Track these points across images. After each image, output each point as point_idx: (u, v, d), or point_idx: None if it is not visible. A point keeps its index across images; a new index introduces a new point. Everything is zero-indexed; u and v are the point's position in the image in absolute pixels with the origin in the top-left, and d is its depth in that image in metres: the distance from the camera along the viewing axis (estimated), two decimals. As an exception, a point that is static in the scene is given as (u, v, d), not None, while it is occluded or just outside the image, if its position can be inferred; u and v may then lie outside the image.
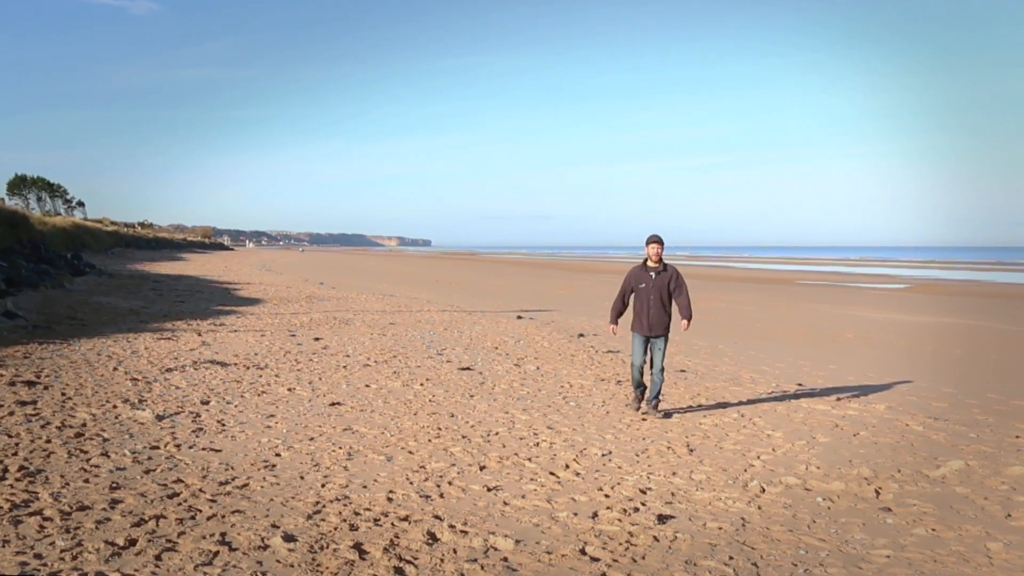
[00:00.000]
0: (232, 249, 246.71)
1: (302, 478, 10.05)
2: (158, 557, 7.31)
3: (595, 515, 9.01)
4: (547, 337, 24.46)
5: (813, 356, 21.57)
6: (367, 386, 16.08)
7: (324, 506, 8.98)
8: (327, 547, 7.72)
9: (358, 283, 54.53)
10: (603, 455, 11.55)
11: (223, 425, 12.66)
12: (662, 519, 8.91)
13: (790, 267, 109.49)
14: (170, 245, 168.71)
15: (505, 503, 9.36)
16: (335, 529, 8.24)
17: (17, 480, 9.43)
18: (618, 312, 14.72)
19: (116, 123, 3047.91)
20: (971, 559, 7.89)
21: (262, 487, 9.62)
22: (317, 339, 22.83)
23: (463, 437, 12.36)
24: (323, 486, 9.74)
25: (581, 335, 25.12)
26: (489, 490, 9.83)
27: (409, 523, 8.52)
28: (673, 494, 9.85)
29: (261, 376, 16.75)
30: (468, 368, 18.47)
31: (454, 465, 10.84)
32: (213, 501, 9.03)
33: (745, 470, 10.89)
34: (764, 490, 10.02)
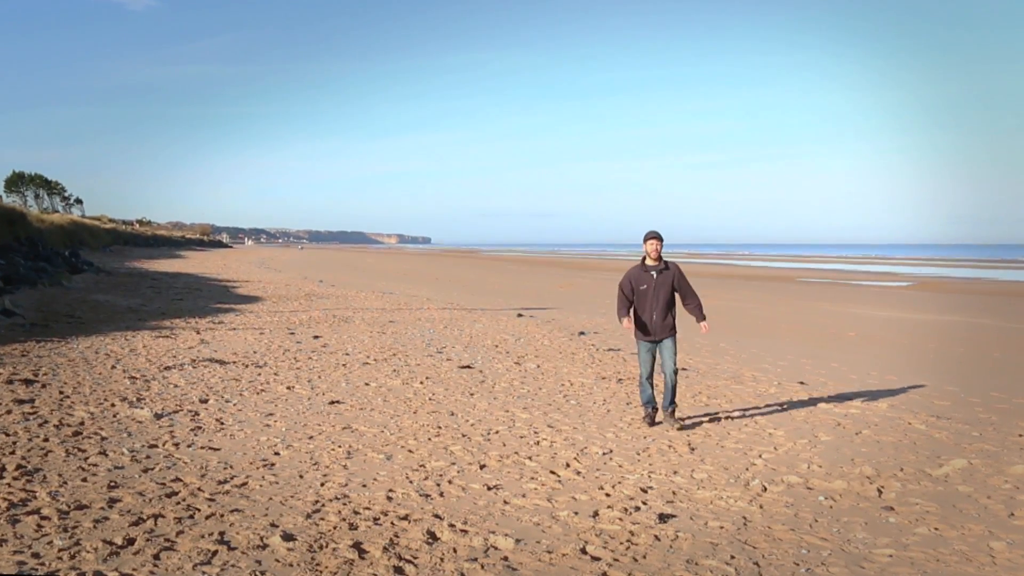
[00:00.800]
0: (231, 247, 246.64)
1: (301, 477, 10.06)
2: (156, 556, 7.32)
3: (596, 514, 9.01)
4: (547, 335, 24.46)
5: (815, 354, 21.56)
6: (366, 384, 16.09)
7: (323, 505, 8.99)
8: (326, 546, 7.72)
9: (357, 281, 54.54)
10: (604, 454, 11.56)
11: (222, 424, 12.67)
12: (663, 518, 8.91)
13: (792, 265, 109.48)
14: (168, 243, 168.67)
15: (505, 502, 9.37)
16: (334, 528, 8.24)
17: (15, 479, 9.43)
18: (627, 305, 13.48)
19: (114, 120, 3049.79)
20: (974, 558, 7.89)
21: (261, 486, 9.63)
22: (316, 337, 22.83)
23: (463, 436, 12.37)
24: (322, 485, 9.75)
25: (582, 333, 25.12)
26: (489, 489, 9.84)
27: (409, 522, 8.53)
28: (674, 493, 9.85)
29: (260, 374, 16.76)
30: (468, 366, 18.48)
31: (454, 464, 10.85)
32: (212, 500, 9.04)
33: (747, 469, 10.89)
34: (766, 489, 10.02)
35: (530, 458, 11.23)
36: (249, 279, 53.54)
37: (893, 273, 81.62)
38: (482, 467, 10.75)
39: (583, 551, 7.85)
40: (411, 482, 9.99)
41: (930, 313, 35.70)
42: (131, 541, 7.65)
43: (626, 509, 9.20)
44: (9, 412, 12.63)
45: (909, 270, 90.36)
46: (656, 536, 8.35)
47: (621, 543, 8.11)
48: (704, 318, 13.60)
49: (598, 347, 22.05)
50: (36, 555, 7.23)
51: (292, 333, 23.65)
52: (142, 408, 13.31)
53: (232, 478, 9.89)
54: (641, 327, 13.43)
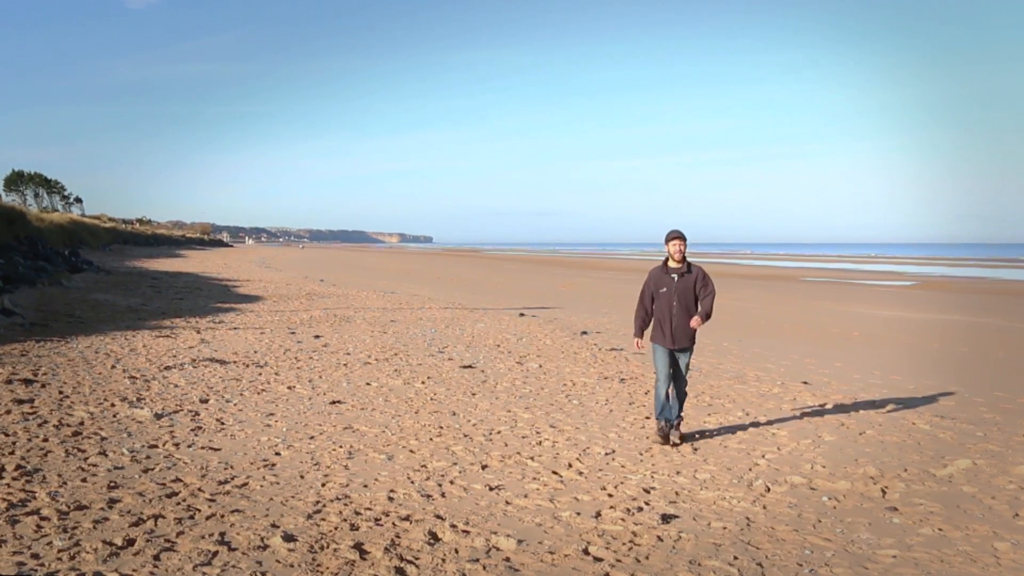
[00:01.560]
0: (231, 246, 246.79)
1: (302, 477, 10.07)
2: (156, 557, 7.32)
3: (598, 515, 9.02)
4: (550, 335, 24.46)
5: (818, 354, 21.55)
6: (368, 384, 16.09)
7: (324, 505, 9.00)
8: (327, 547, 7.73)
9: (359, 280, 54.55)
10: (606, 454, 11.56)
11: (222, 424, 12.68)
12: (666, 519, 8.92)
13: (795, 264, 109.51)
14: (169, 242, 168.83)
15: (507, 502, 9.37)
16: (335, 529, 8.25)
17: (14, 479, 9.45)
18: (642, 322, 12.82)
19: (114, 119, 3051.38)
20: (978, 559, 7.89)
21: (262, 486, 9.63)
22: (317, 337, 22.84)
23: (465, 436, 12.37)
24: (323, 485, 9.75)
25: (584, 333, 25.11)
26: (491, 489, 9.84)
27: (410, 523, 8.54)
28: (677, 493, 9.86)
29: (261, 374, 16.77)
30: (470, 366, 18.47)
31: (456, 464, 10.85)
32: (212, 500, 9.05)
33: (750, 469, 10.90)
34: (769, 489, 10.02)
35: (532, 458, 11.24)
36: (250, 278, 53.56)
37: (897, 272, 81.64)
38: (484, 467, 10.75)
39: (585, 552, 7.85)
40: (412, 482, 10.00)
41: (934, 312, 35.69)
42: (131, 542, 7.66)
43: (628, 510, 9.21)
44: (8, 412, 12.64)
45: (913, 269, 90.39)
46: (659, 537, 8.35)
47: (624, 544, 8.12)
48: (704, 317, 12.44)
49: (600, 347, 22.05)
50: (36, 556, 7.24)
51: (293, 332, 23.66)
52: (142, 408, 13.32)
53: (233, 478, 9.90)
54: (659, 331, 12.69)
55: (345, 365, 18.20)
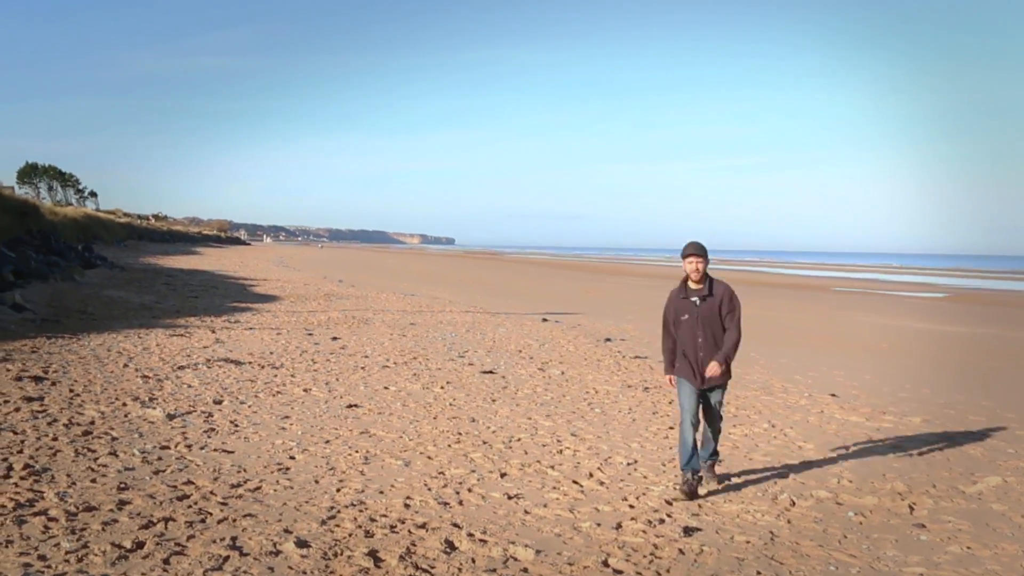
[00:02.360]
0: (249, 244, 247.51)
1: (316, 482, 10.07)
2: (166, 561, 7.33)
3: (619, 526, 8.99)
4: (572, 341, 24.45)
5: (847, 366, 21.47)
6: (386, 388, 16.10)
7: (339, 511, 8.99)
8: (341, 554, 7.72)
9: (378, 281, 54.62)
10: (628, 464, 11.53)
11: (236, 426, 12.69)
12: (688, 531, 8.89)
13: (826, 273, 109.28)
14: (185, 238, 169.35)
15: (526, 512, 9.35)
16: (350, 535, 8.25)
17: (22, 479, 9.47)
18: (672, 354, 10.72)
19: (131, 111, 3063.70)
20: (1008, 579, 7.85)
21: (275, 490, 9.64)
22: (335, 339, 22.86)
23: (484, 443, 12.36)
24: (338, 491, 9.75)
25: (608, 339, 25.10)
26: (510, 498, 9.82)
27: (426, 531, 8.53)
28: (700, 505, 9.82)
29: (276, 376, 16.79)
30: (490, 371, 18.47)
31: (474, 471, 10.84)
32: (224, 504, 9.05)
33: (775, 482, 10.85)
34: (794, 503, 9.98)
35: (552, 467, 11.21)
36: (267, 277, 53.71)
37: (928, 284, 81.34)
38: (503, 475, 10.73)
39: (605, 564, 7.83)
40: (429, 489, 9.99)
41: (965, 325, 35.53)
42: (140, 545, 7.66)
43: (650, 521, 9.18)
44: (18, 410, 12.68)
45: (944, 281, 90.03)
46: (680, 550, 8.32)
47: (644, 556, 8.09)
48: (727, 358, 10.48)
49: (624, 354, 22.02)
50: (42, 557, 7.25)
51: (310, 334, 23.69)
52: (154, 408, 13.35)
53: (245, 482, 9.91)
54: (684, 364, 10.58)
55: (363, 368, 18.21)
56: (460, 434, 12.80)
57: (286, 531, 8.25)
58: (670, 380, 10.83)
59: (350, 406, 14.40)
